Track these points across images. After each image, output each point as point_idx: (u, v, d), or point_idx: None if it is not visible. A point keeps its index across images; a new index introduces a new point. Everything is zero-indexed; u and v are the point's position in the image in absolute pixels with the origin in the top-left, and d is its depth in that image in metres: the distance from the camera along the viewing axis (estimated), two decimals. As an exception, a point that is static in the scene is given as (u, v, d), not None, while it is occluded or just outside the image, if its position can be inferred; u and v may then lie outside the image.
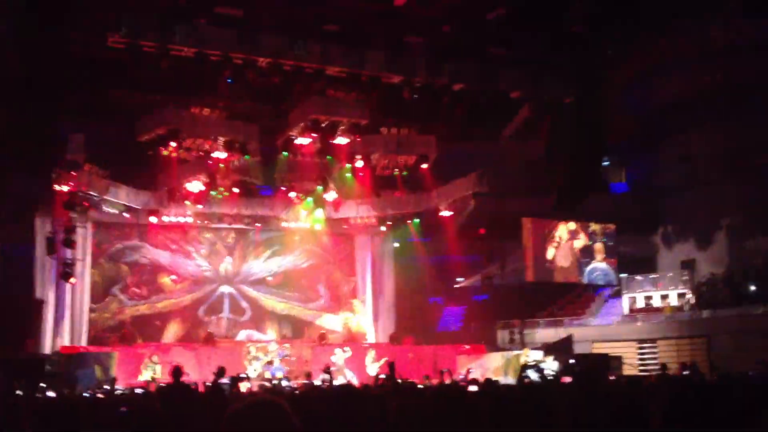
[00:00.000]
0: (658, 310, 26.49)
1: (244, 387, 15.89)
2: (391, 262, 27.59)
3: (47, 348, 21.22)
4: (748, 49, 24.03)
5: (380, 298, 27.44)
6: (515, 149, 24.44)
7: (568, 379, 13.37)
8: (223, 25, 18.93)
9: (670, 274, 27.16)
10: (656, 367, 21.42)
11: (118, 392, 15.04)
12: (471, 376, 18.84)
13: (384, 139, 23.52)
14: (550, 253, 26.16)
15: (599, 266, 26.96)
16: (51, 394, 12.27)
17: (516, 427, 4.71)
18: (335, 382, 17.34)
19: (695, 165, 25.97)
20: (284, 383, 18.38)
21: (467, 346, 23.96)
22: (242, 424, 2.48)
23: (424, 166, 23.92)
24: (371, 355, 21.95)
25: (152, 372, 19.17)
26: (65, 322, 22.13)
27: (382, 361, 21.33)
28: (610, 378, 15.88)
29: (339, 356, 21.38)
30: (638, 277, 27.36)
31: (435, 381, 18.32)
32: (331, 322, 26.72)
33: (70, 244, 21.00)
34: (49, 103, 19.26)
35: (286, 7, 19.53)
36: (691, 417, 3.37)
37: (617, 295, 27.66)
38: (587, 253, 26.83)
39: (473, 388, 9.89)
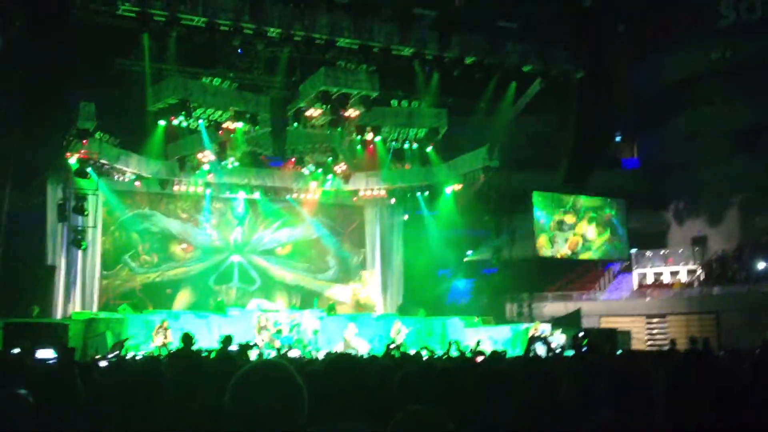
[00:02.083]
0: (667, 285, 26.52)
1: (253, 355, 16.04)
2: (400, 235, 27.65)
3: (59, 314, 21.48)
4: (758, 27, 23.75)
5: (389, 270, 27.54)
6: (525, 123, 24.37)
7: (571, 353, 13.39)
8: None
9: (681, 250, 27.15)
10: (665, 342, 21.49)
11: (128, 358, 15.22)
12: (479, 349, 18.92)
13: (394, 111, 23.46)
14: (561, 227, 26.15)
15: (608, 242, 26.96)
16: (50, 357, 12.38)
17: (519, 398, 4.75)
18: (344, 353, 17.45)
19: (704, 142, 25.85)
20: (293, 353, 18.53)
21: (476, 319, 24.07)
22: (248, 387, 2.53)
23: (435, 138, 23.86)
24: (396, 325, 22.00)
25: (163, 338, 19.35)
26: (77, 288, 22.38)
27: (402, 330, 21.45)
28: (617, 352, 15.93)
29: (348, 329, 21.48)
30: (648, 253, 27.36)
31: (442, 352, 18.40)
32: (340, 293, 26.88)
33: (81, 211, 21.18)
34: (60, 71, 19.26)
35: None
36: (695, 391, 3.39)
37: (627, 270, 27.67)
38: (599, 226, 26.80)
39: (480, 359, 9.96)
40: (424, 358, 10.39)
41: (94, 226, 22.68)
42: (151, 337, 19.36)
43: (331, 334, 21.73)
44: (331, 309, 24.50)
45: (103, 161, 21.53)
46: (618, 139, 29.59)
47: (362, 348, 20.76)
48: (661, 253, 27.32)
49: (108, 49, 19.82)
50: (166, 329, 19.19)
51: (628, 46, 24.56)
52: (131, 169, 22.59)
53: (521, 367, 7.33)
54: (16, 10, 18.05)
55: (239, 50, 20.12)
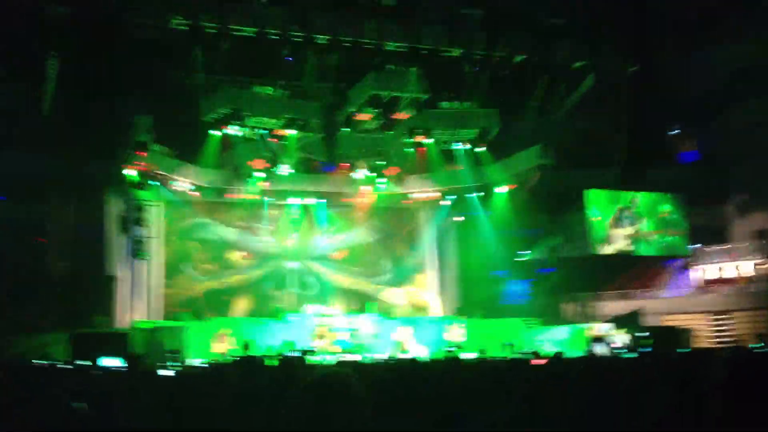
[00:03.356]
0: (731, 281, 25.80)
1: (312, 360, 16.17)
2: (454, 236, 27.53)
3: (126, 323, 21.99)
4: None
5: (444, 272, 27.46)
6: (578, 121, 24.01)
7: (633, 355, 13.15)
8: (281, 4, 19.07)
9: (744, 244, 26.39)
10: (733, 339, 20.97)
11: (192, 365, 15.49)
12: (538, 350, 18.74)
13: (445, 113, 23.40)
14: (619, 224, 25.68)
15: (668, 238, 26.38)
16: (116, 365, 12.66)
17: (580, 401, 4.68)
18: (403, 356, 17.48)
19: (765, 132, 25.06)
20: (350, 357, 18.63)
21: (534, 320, 23.81)
22: (313, 399, 2.56)
23: (486, 139, 23.72)
24: (449, 326, 21.94)
25: (225, 345, 19.63)
26: (141, 297, 22.91)
27: (460, 332, 21.42)
28: (680, 351, 15.58)
29: (403, 331, 21.48)
30: (710, 248, 26.67)
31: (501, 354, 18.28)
32: (397, 296, 26.89)
33: (141, 222, 21.67)
34: (116, 85, 19.78)
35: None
36: (755, 390, 3.28)
37: (689, 266, 27.01)
38: (658, 224, 26.26)
39: (538, 362, 9.86)
40: (483, 361, 10.32)
41: (156, 237, 23.21)
42: (214, 344, 19.68)
43: (389, 337, 21.76)
44: (388, 312, 24.55)
45: (160, 172, 22.00)
46: (675, 132, 28.91)
47: (419, 351, 20.74)
48: (724, 247, 26.61)
49: (162, 63, 20.26)
50: (227, 336, 19.48)
51: (683, 37, 23.97)
52: (188, 179, 23.04)
53: (582, 369, 7.23)
54: (73, 26, 18.57)
55: (289, 58, 20.33)
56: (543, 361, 9.46)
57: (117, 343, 16.33)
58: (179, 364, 15.50)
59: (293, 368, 9.48)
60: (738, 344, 15.96)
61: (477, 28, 20.82)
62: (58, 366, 10.12)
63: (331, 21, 19.46)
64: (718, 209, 27.87)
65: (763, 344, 16.06)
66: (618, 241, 25.73)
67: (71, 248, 21.13)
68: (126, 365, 8.69)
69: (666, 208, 26.53)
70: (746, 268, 25.80)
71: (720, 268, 26.30)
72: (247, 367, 8.49)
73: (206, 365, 13.44)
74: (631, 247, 25.98)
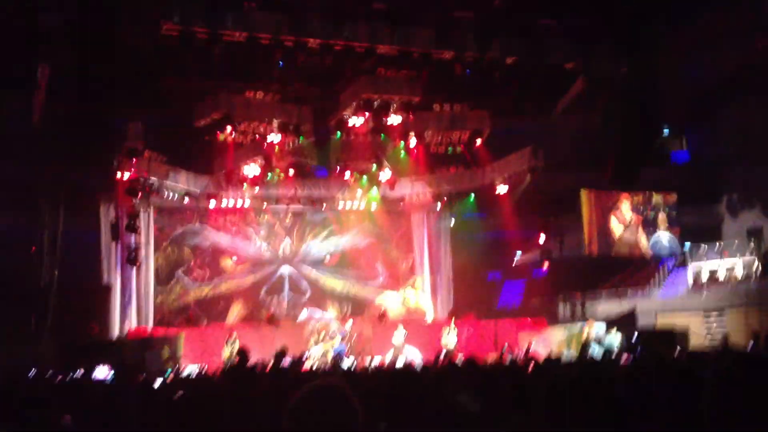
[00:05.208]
0: (724, 279, 25.88)
1: (306, 366, 16.13)
2: (447, 239, 27.55)
3: (115, 332, 21.91)
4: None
5: (438, 275, 27.45)
6: (570, 122, 24.05)
7: (626, 356, 13.12)
8: (272, 8, 19.03)
9: (736, 243, 26.47)
10: (723, 337, 20.97)
11: (184, 375, 15.44)
12: (533, 351, 18.74)
13: (437, 115, 23.41)
14: (611, 225, 25.74)
15: (663, 235, 26.42)
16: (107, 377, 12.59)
17: (573, 407, 4.65)
18: (397, 362, 17.45)
19: (756, 133, 25.16)
20: (345, 362, 18.60)
21: (528, 321, 23.83)
22: (305, 411, 2.53)
23: (478, 141, 23.75)
24: (446, 331, 21.83)
25: (231, 350, 19.52)
26: (132, 306, 22.80)
27: (453, 335, 21.36)
28: (675, 353, 15.59)
29: (399, 335, 21.45)
30: (703, 247, 26.75)
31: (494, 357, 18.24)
32: (391, 300, 26.87)
33: (134, 229, 21.61)
34: (107, 92, 19.72)
35: (334, -12, 19.55)
36: (745, 393, 3.24)
37: (681, 265, 27.08)
38: (650, 223, 26.31)
39: (533, 364, 9.84)
40: (475, 365, 10.30)
41: (147, 244, 23.14)
42: (221, 349, 19.62)
43: (383, 341, 21.74)
44: (382, 316, 24.54)
45: (152, 179, 21.94)
46: (666, 132, 28.99)
47: (413, 355, 20.73)
48: (716, 246, 26.69)
49: (153, 69, 20.19)
50: (234, 341, 19.38)
51: (674, 40, 24.02)
52: (180, 185, 22.98)
53: (576, 372, 7.22)
54: (64, 34, 18.52)
55: (280, 63, 20.31)
56: (534, 364, 9.44)
57: (111, 353, 16.29)
58: (173, 373, 15.43)
59: (286, 377, 9.47)
60: (726, 345, 15.96)
61: (469, 30, 20.82)
62: (48, 377, 10.05)
63: (323, 25, 19.44)
64: (709, 209, 27.99)
65: (754, 342, 16.08)
66: (611, 241, 25.78)
67: (63, 256, 21.03)
68: (119, 377, 8.64)
69: (658, 208, 26.62)
70: (738, 266, 25.89)
71: (712, 267, 26.37)
72: (239, 377, 8.48)
73: (201, 375, 13.39)
74: (624, 246, 26.01)
